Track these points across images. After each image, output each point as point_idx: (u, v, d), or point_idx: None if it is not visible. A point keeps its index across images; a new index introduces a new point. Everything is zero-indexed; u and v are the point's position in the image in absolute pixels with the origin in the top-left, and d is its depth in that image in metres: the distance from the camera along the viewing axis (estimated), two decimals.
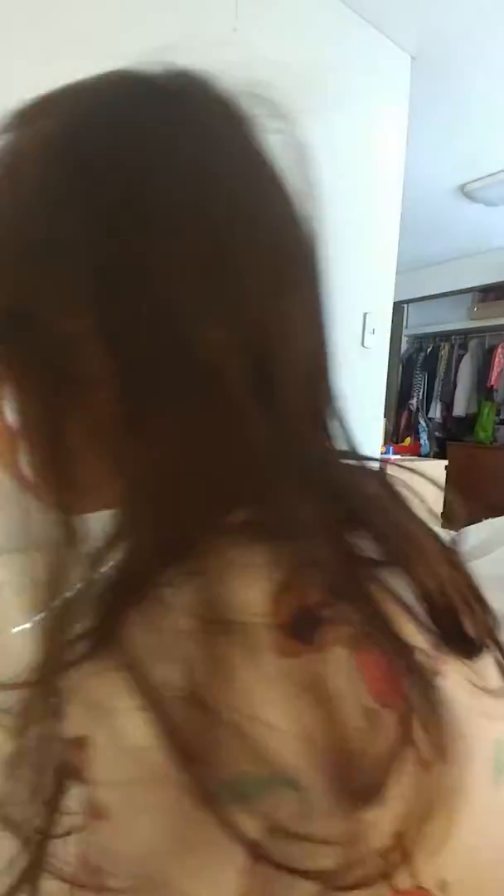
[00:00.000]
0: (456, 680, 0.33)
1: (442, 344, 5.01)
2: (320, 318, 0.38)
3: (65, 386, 0.30)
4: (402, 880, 0.30)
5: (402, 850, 0.30)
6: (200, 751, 0.26)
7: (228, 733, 0.26)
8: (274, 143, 0.35)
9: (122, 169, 0.30)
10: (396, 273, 2.14)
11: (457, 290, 4.63)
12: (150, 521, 0.30)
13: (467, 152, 2.68)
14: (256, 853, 0.27)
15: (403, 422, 5.17)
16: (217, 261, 0.30)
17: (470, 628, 0.35)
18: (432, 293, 4.75)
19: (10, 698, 0.29)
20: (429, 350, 5.09)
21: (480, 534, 1.23)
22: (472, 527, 1.29)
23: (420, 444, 4.95)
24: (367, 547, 0.32)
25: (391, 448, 3.82)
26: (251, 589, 0.28)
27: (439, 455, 4.70)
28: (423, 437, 5.04)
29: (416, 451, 4.68)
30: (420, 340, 5.22)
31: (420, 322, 5.15)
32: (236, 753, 0.26)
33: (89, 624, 0.28)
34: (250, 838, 0.26)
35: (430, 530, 0.38)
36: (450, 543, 0.39)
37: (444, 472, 3.19)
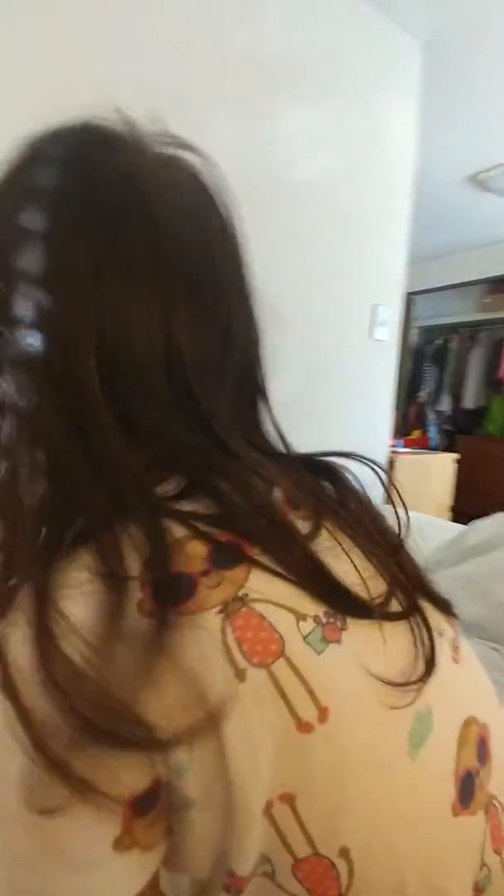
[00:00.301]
0: (353, 649, 0.35)
1: (451, 336, 4.97)
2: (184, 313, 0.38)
3: None
4: (300, 848, 0.32)
5: (294, 814, 0.31)
6: (60, 703, 0.28)
7: (84, 684, 0.28)
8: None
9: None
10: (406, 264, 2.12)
11: (467, 282, 4.58)
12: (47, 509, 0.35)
13: (479, 141, 2.64)
14: (119, 806, 0.29)
15: (412, 414, 5.14)
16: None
17: (399, 603, 0.38)
18: (442, 285, 4.71)
19: None
20: (438, 342, 5.05)
21: (491, 528, 1.22)
22: (481, 521, 1.29)
23: (429, 437, 4.92)
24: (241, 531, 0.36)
25: (401, 441, 3.80)
26: (129, 556, 0.32)
27: (448, 448, 4.67)
28: (432, 429, 5.01)
29: (424, 444, 4.66)
30: (429, 332, 5.18)
31: (429, 314, 5.11)
32: (92, 705, 0.28)
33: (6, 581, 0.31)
34: (108, 793, 0.28)
35: (360, 518, 0.41)
36: (392, 530, 0.43)
37: (454, 465, 3.17)
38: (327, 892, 0.32)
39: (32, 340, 0.35)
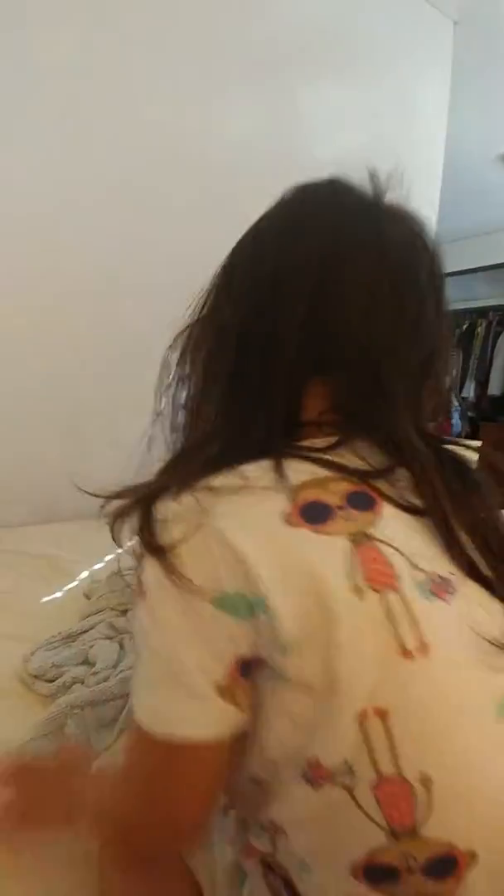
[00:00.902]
0: (458, 611, 0.39)
1: (479, 320, 4.87)
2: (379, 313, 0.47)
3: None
4: (385, 765, 0.35)
5: (385, 730, 0.35)
6: (202, 561, 0.37)
7: (227, 557, 0.37)
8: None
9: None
10: None
11: (496, 265, 4.47)
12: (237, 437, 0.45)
13: None
14: (236, 659, 0.37)
15: None
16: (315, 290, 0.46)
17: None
18: (470, 267, 4.60)
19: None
20: (465, 326, 4.95)
21: None
22: None
23: (451, 424, 4.85)
24: (402, 487, 0.44)
25: None
26: (289, 476, 0.40)
27: (471, 436, 4.61)
28: (455, 416, 4.93)
29: (446, 431, 4.60)
30: (456, 316, 5.07)
31: (457, 297, 4.99)
32: (229, 574, 0.36)
33: (183, 475, 0.41)
34: (234, 644, 0.37)
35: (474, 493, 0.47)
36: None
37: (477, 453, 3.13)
38: (403, 818, 0.35)
39: (253, 300, 0.47)
